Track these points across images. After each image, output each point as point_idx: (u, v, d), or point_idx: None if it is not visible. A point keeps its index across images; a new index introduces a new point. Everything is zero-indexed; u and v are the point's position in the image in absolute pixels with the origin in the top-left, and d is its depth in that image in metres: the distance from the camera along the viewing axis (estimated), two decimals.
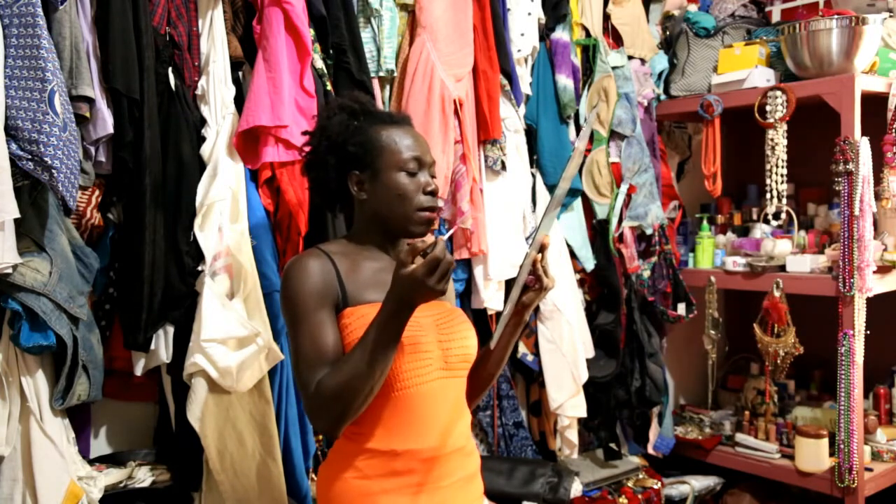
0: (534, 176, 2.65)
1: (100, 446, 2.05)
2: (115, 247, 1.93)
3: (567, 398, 2.58)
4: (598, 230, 2.84)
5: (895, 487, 2.71)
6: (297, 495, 2.03)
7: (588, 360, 2.65)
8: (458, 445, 1.48)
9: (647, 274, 2.86)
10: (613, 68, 2.82)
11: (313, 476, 2.12)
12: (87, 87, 1.76)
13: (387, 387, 1.41)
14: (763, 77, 2.79)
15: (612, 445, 2.84)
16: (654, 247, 2.89)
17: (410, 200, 1.47)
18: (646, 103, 2.94)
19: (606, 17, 2.91)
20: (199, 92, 2.00)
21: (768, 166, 2.71)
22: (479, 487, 1.56)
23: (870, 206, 2.48)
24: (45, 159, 1.58)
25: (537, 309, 2.57)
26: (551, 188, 2.67)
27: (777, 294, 2.65)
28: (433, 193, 1.49)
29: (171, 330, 1.95)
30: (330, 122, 1.53)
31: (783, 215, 2.73)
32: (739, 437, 2.86)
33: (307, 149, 1.58)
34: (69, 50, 1.73)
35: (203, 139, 1.99)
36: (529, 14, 2.60)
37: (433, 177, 1.53)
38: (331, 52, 2.15)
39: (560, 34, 2.70)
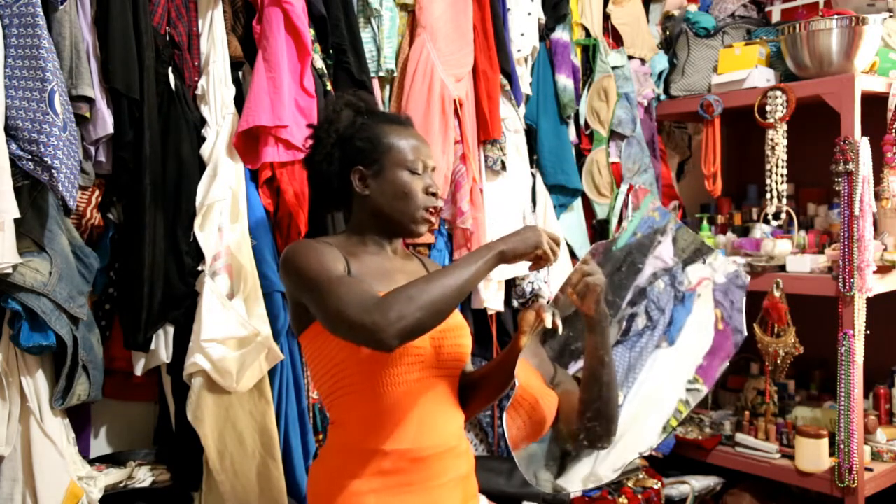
0: (534, 176, 2.65)
1: (100, 446, 2.05)
2: (115, 247, 1.93)
3: None
4: (598, 230, 2.83)
5: (895, 487, 2.71)
6: (297, 495, 2.03)
7: None
8: (449, 445, 1.47)
9: None
10: (613, 68, 2.82)
11: None
12: (87, 87, 1.76)
13: (376, 383, 1.40)
14: (763, 77, 2.79)
15: None
16: None
17: (414, 199, 1.48)
18: (646, 103, 2.94)
19: (606, 17, 2.91)
20: (199, 92, 2.00)
21: (768, 166, 2.71)
22: (473, 488, 1.55)
23: (870, 206, 2.48)
24: (45, 159, 1.58)
25: None
26: (551, 188, 2.67)
27: (777, 294, 2.64)
28: (434, 194, 1.51)
29: (171, 330, 1.95)
30: (338, 115, 1.54)
31: (783, 215, 2.73)
32: (739, 437, 2.86)
33: (311, 142, 1.58)
34: (69, 50, 1.73)
35: (203, 139, 1.99)
36: (529, 14, 2.60)
37: (433, 181, 1.54)
38: (331, 52, 2.16)
39: (560, 34, 2.70)
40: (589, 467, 1.54)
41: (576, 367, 1.55)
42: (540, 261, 1.41)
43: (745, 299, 1.56)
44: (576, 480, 1.52)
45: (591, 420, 1.52)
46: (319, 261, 1.38)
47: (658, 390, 1.55)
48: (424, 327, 1.27)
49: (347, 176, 1.52)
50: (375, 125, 1.52)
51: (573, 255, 2.71)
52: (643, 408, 1.53)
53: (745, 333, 1.55)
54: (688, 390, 1.56)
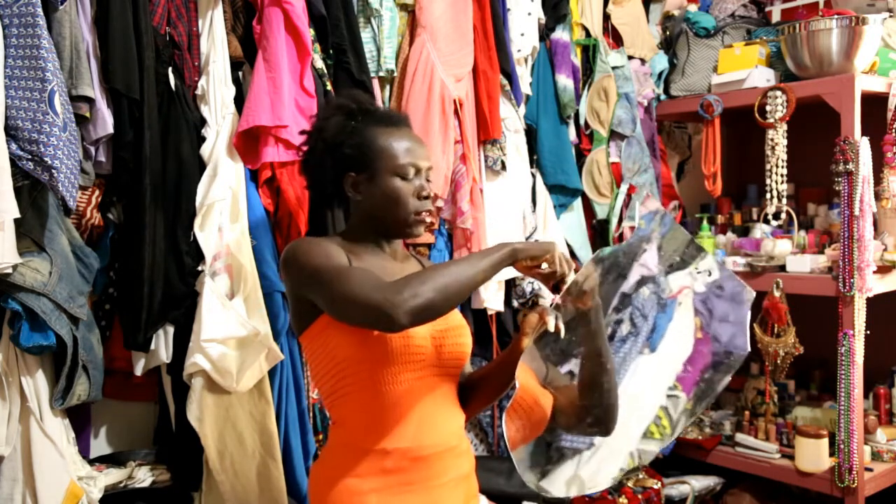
0: (534, 176, 2.65)
1: (100, 446, 2.06)
2: (115, 247, 1.93)
3: None
4: (598, 230, 2.83)
5: (895, 487, 2.71)
6: (297, 495, 2.03)
7: None
8: (449, 445, 1.47)
9: None
10: (613, 68, 2.82)
11: None
12: (87, 87, 1.76)
13: (377, 382, 1.40)
14: (763, 77, 2.79)
15: None
16: None
17: (405, 205, 1.47)
18: (646, 103, 2.94)
19: (606, 17, 2.91)
20: (199, 92, 2.00)
21: (768, 166, 2.71)
22: (473, 488, 1.55)
23: (870, 206, 2.48)
24: (45, 159, 1.58)
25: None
26: (551, 188, 2.67)
27: (777, 294, 2.64)
28: (427, 197, 1.50)
29: (171, 330, 1.95)
30: (327, 122, 1.52)
31: (783, 215, 2.73)
32: (739, 437, 2.86)
33: (304, 149, 1.58)
34: (69, 50, 1.73)
35: (203, 139, 1.99)
36: (529, 14, 2.60)
37: (428, 181, 1.52)
38: (331, 52, 2.16)
39: (560, 34, 2.70)
40: (572, 469, 1.54)
41: (568, 366, 1.55)
42: (548, 276, 1.41)
43: (749, 314, 1.56)
44: (559, 483, 1.53)
45: (590, 426, 1.53)
46: (324, 253, 1.39)
47: (640, 396, 1.57)
48: (435, 309, 1.28)
49: (341, 182, 1.51)
50: (366, 129, 1.50)
51: (573, 256, 2.71)
52: (626, 413, 1.54)
53: (749, 349, 1.55)
54: (668, 397, 1.57)
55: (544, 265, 1.40)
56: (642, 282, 1.59)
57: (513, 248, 1.37)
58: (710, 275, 1.59)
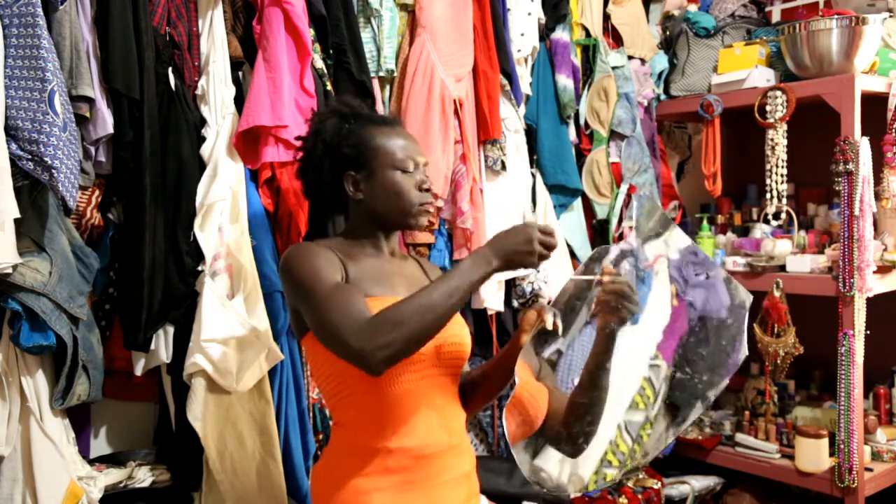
0: (534, 176, 2.65)
1: (100, 446, 2.06)
2: (115, 247, 1.93)
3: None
4: (598, 230, 2.83)
5: (895, 487, 2.71)
6: (297, 495, 2.03)
7: None
8: (451, 443, 1.48)
9: None
10: (613, 68, 2.82)
11: None
12: (87, 87, 1.76)
13: (378, 383, 1.41)
14: (763, 77, 2.79)
15: None
16: None
17: (407, 197, 1.50)
18: (646, 103, 2.94)
19: (606, 17, 2.91)
20: (199, 92, 2.00)
21: (768, 166, 2.71)
22: (474, 486, 1.55)
23: (870, 206, 2.48)
24: (45, 159, 1.58)
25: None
26: (551, 188, 2.67)
27: (777, 294, 2.64)
28: (428, 190, 1.53)
29: (171, 330, 1.95)
30: (323, 125, 1.55)
31: (783, 215, 2.73)
32: (739, 437, 2.86)
33: (300, 153, 1.59)
34: (69, 50, 1.73)
35: (203, 139, 1.99)
36: (529, 14, 2.60)
37: (427, 176, 1.55)
38: (331, 52, 2.16)
39: (560, 34, 2.70)
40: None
41: (556, 345, 1.57)
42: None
43: (746, 319, 1.57)
44: (552, 461, 1.55)
45: (590, 424, 1.54)
46: (315, 269, 1.39)
47: (623, 368, 1.59)
48: (410, 352, 1.31)
49: (340, 182, 1.53)
50: (362, 129, 1.52)
51: (573, 256, 2.71)
52: (612, 387, 1.56)
53: (746, 352, 1.56)
54: (650, 367, 1.60)
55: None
56: (622, 256, 1.61)
57: (495, 268, 1.35)
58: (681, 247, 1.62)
